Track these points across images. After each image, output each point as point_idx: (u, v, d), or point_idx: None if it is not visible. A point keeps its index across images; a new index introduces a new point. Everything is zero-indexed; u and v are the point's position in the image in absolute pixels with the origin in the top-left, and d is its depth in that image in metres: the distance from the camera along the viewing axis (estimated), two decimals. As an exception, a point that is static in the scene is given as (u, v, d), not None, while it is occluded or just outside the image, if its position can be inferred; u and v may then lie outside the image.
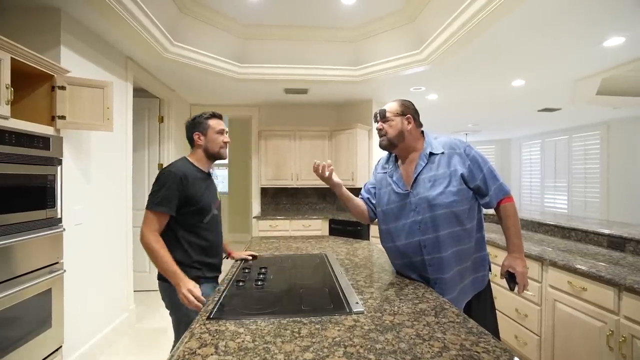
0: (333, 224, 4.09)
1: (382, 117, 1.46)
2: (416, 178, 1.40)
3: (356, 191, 4.53)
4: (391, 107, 1.47)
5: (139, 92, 3.52)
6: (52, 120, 1.93)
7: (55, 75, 1.94)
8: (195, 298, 1.33)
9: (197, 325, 1.00)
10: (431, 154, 1.40)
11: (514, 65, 3.02)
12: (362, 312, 1.07)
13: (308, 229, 4.11)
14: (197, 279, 1.45)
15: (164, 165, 3.88)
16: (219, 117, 1.60)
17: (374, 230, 3.71)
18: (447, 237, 1.33)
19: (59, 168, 1.95)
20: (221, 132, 1.57)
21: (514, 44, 2.53)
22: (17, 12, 1.99)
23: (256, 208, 4.78)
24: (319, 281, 1.43)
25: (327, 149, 4.46)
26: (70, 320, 2.06)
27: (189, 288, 1.34)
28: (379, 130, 1.47)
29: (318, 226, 4.14)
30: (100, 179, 2.42)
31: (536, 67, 3.07)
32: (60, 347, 1.96)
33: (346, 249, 2.09)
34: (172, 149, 3.84)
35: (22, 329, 1.71)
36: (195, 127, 1.55)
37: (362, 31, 3.15)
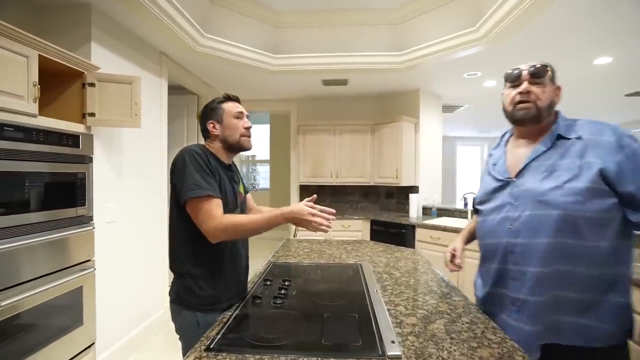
0: (375, 225, 3.80)
1: (537, 74, 1.05)
2: (527, 165, 1.07)
3: (400, 190, 4.12)
4: (542, 68, 1.07)
5: (177, 90, 3.53)
6: (82, 117, 1.92)
7: (86, 72, 1.92)
8: (320, 217, 1.07)
9: (191, 359, 0.81)
10: (560, 137, 1.04)
11: (599, 38, 2.46)
12: (399, 358, 0.81)
13: (348, 230, 3.86)
14: (212, 309, 1.12)
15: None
16: (235, 99, 1.29)
17: (420, 234, 3.35)
18: (550, 248, 0.97)
19: (90, 166, 1.93)
20: (240, 115, 1.25)
21: (600, 9, 2.02)
22: (47, 10, 2.01)
23: (295, 206, 4.63)
24: (348, 302, 1.18)
25: (369, 144, 4.16)
26: (103, 318, 2.06)
27: (307, 213, 1.05)
28: (526, 93, 1.05)
29: (358, 227, 3.87)
30: (134, 176, 2.41)
31: (629, 37, 2.47)
32: (93, 344, 1.96)
33: (386, 259, 1.82)
34: (211, 146, 3.84)
35: (53, 325, 1.70)
36: (208, 115, 1.24)
37: (406, 10, 2.80)
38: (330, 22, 2.91)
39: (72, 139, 1.81)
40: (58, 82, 1.93)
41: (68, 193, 1.80)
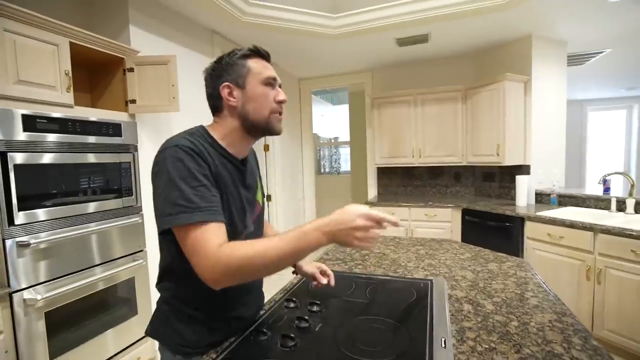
0: (467, 215, 3.07)
1: None
2: None
3: (503, 171, 3.25)
4: None
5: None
6: (125, 105, 1.85)
7: (125, 58, 1.82)
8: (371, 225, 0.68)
9: None
10: None
11: None
12: None
13: (432, 220, 3.23)
14: (199, 352, 0.81)
15: (270, 145, 3.82)
16: (265, 56, 0.85)
17: (532, 229, 2.52)
18: None
19: (135, 155, 1.87)
20: (272, 82, 0.82)
21: None
22: (89, 2, 1.99)
23: (372, 191, 4.17)
24: (393, 361, 0.73)
25: (461, 114, 3.36)
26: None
27: (353, 227, 0.67)
28: None
29: (446, 216, 3.20)
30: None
31: None
32: (152, 333, 1.96)
33: (473, 274, 1.26)
34: (277, 129, 3.65)
35: (107, 314, 1.71)
36: (221, 73, 0.81)
37: None
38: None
39: (112, 128, 1.74)
40: (106, 72, 1.91)
41: (112, 184, 1.75)
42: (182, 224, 0.68)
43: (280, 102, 0.83)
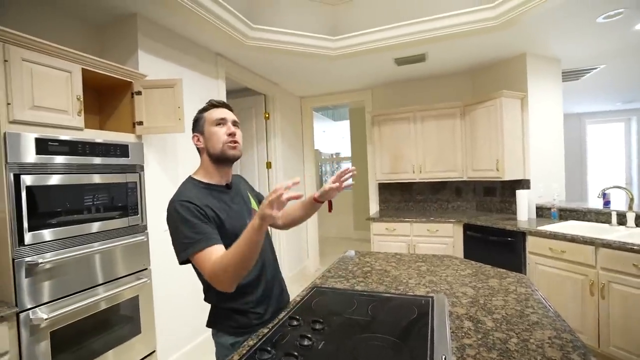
0: (469, 230, 3.08)
1: None
2: None
3: (504, 185, 3.27)
4: None
5: (244, 92, 3.50)
6: (133, 127, 1.91)
7: (133, 82, 1.90)
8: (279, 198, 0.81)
9: None
10: None
11: None
12: None
13: (434, 235, 3.24)
14: (253, 327, 1.07)
15: (272, 163, 3.89)
16: (220, 105, 1.13)
17: (533, 244, 2.52)
18: None
19: (141, 175, 1.91)
20: (221, 122, 1.08)
21: None
22: (102, 27, 2.11)
23: (373, 207, 4.19)
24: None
25: (460, 130, 3.42)
26: (163, 327, 2.04)
27: (267, 203, 0.82)
28: None
29: (448, 232, 3.21)
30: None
31: None
32: (154, 352, 1.95)
33: (474, 290, 1.27)
34: (279, 144, 3.71)
35: (110, 333, 1.72)
36: (192, 128, 1.14)
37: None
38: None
39: (120, 149, 1.80)
40: (114, 95, 1.98)
41: (119, 203, 1.79)
42: (189, 254, 0.95)
43: (229, 135, 1.07)
